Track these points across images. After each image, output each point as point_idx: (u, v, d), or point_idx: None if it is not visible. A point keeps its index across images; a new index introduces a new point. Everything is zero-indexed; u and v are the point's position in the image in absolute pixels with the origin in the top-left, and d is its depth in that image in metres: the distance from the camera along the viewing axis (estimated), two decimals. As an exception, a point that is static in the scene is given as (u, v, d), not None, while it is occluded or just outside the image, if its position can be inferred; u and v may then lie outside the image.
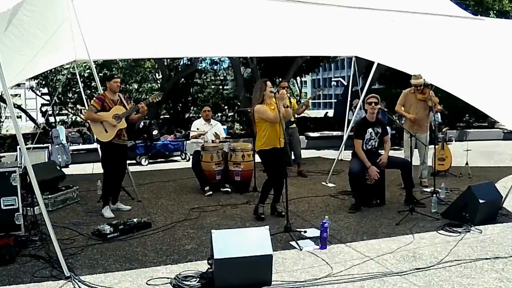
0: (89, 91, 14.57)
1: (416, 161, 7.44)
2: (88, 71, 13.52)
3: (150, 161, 10.87)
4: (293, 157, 9.05)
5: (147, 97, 6.39)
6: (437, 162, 8.06)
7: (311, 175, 8.75)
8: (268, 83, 5.65)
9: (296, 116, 8.76)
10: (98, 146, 6.32)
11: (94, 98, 6.23)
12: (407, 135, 7.14)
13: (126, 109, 6.12)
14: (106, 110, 5.98)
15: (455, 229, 5.14)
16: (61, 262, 3.99)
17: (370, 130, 6.25)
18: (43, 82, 15.69)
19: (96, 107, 5.95)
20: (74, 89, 14.93)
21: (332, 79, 65.75)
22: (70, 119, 17.44)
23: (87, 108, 10.19)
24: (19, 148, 8.97)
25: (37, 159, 9.25)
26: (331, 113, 20.38)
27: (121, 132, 6.09)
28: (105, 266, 4.29)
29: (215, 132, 7.84)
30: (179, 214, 6.14)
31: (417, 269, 4.12)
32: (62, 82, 12.73)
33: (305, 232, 5.13)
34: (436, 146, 7.83)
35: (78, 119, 16.73)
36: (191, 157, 8.98)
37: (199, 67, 19.34)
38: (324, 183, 7.94)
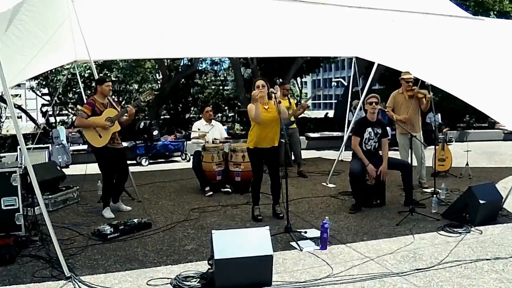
0: (89, 92, 14.54)
1: (413, 162, 7.43)
2: (89, 71, 13.52)
3: (151, 161, 10.87)
4: (293, 158, 9.05)
5: (139, 97, 6.26)
6: (437, 162, 8.07)
7: (311, 176, 8.74)
8: (257, 82, 5.54)
9: (294, 117, 8.75)
10: (91, 151, 6.11)
11: (84, 104, 6.02)
12: (402, 138, 7.12)
13: (117, 111, 6.00)
14: (98, 114, 5.86)
15: (455, 229, 5.14)
16: (61, 262, 3.99)
17: (369, 129, 6.24)
18: (44, 83, 15.69)
19: (87, 112, 5.81)
20: (74, 89, 14.94)
21: (333, 80, 65.77)
22: (70, 120, 17.42)
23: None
24: (20, 148, 8.97)
25: (38, 159, 9.25)
26: (331, 113, 20.38)
27: (115, 136, 6.01)
28: (106, 266, 4.29)
29: (220, 137, 7.86)
30: (179, 214, 6.14)
31: (417, 269, 4.12)
32: (62, 82, 12.73)
33: (305, 232, 5.13)
34: (437, 147, 7.83)
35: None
36: (191, 157, 8.98)
37: (200, 68, 19.35)
38: (324, 184, 7.94)
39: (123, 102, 15.03)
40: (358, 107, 8.73)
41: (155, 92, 17.18)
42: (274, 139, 5.68)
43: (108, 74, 14.39)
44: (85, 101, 10.07)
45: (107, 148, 5.93)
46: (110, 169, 6.05)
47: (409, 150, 6.50)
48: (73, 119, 16.92)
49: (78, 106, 16.07)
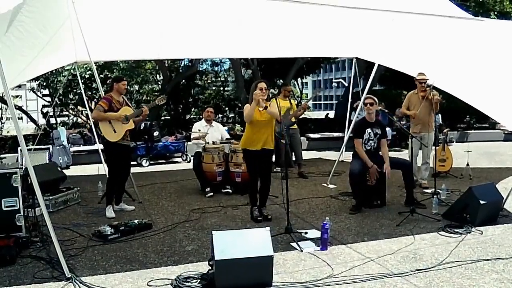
0: (90, 93, 14.57)
1: (419, 161, 7.46)
2: (89, 72, 13.52)
3: (151, 162, 10.87)
4: (294, 158, 9.04)
5: (154, 99, 6.42)
6: (438, 163, 8.06)
7: (312, 176, 8.74)
8: (260, 84, 5.53)
9: (295, 118, 8.73)
10: (103, 147, 6.30)
11: (101, 99, 6.19)
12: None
13: (133, 110, 6.19)
14: (114, 111, 6.02)
15: (455, 230, 5.14)
16: (62, 263, 3.99)
17: (369, 130, 6.25)
18: (44, 83, 15.68)
19: (104, 107, 5.96)
20: (75, 90, 14.94)
21: (333, 80, 65.74)
22: (71, 121, 17.44)
23: (87, 108, 10.27)
24: (20, 149, 8.97)
25: (38, 160, 9.26)
26: (331, 114, 20.38)
27: (126, 133, 6.13)
28: (106, 267, 4.29)
29: (221, 138, 7.88)
30: (180, 215, 6.14)
31: (417, 270, 4.11)
32: (63, 83, 12.73)
33: (305, 233, 5.12)
34: (437, 147, 7.83)
35: (79, 120, 16.73)
36: (192, 158, 8.98)
37: (200, 69, 19.36)
38: (325, 184, 7.94)
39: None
40: (358, 108, 8.72)
41: (157, 93, 17.24)
42: (267, 142, 5.64)
43: (109, 75, 14.38)
44: (85, 102, 10.19)
45: (119, 144, 6.05)
46: (118, 165, 6.16)
47: (411, 149, 6.53)
48: (74, 120, 16.99)
49: (79, 107, 16.11)
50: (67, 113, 17.50)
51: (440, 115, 13.07)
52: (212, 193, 7.19)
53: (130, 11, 6.23)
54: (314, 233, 5.12)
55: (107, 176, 6.26)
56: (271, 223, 5.52)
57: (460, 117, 16.20)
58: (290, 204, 5.36)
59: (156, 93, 17.56)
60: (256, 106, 5.48)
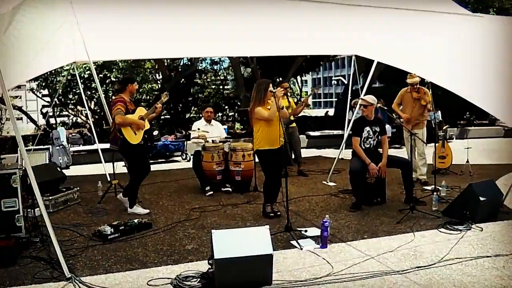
0: (89, 92, 14.56)
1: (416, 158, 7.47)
2: (88, 72, 13.51)
3: (151, 161, 10.80)
4: (293, 156, 9.04)
5: (161, 97, 6.43)
6: (437, 160, 8.08)
7: (311, 174, 8.74)
8: (270, 85, 5.68)
9: (295, 115, 8.72)
10: (124, 149, 6.19)
11: (117, 102, 5.96)
12: (407, 133, 7.16)
13: (146, 110, 6.22)
14: (130, 113, 5.98)
15: (456, 227, 5.14)
16: (61, 263, 4.00)
17: (367, 128, 6.24)
18: (43, 84, 15.68)
19: (123, 110, 5.89)
20: (74, 90, 14.92)
21: (333, 78, 65.77)
22: (70, 121, 17.44)
23: (87, 108, 10.26)
24: (20, 150, 8.97)
25: (38, 160, 9.26)
26: (331, 112, 20.37)
27: None
28: (106, 267, 4.29)
29: (220, 136, 7.88)
30: (179, 214, 6.14)
31: (418, 267, 4.12)
32: (62, 83, 12.72)
33: (305, 231, 5.13)
34: (437, 144, 7.84)
35: (79, 120, 16.74)
36: (191, 157, 8.98)
37: (199, 67, 19.33)
38: (324, 182, 7.94)
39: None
40: (357, 106, 8.71)
41: (156, 92, 17.24)
42: (281, 138, 5.67)
43: (108, 75, 14.37)
44: (85, 102, 10.18)
45: (138, 144, 6.07)
46: (141, 164, 6.19)
47: (411, 147, 6.54)
48: (74, 120, 16.98)
49: (79, 107, 16.11)
50: (66, 113, 17.49)
51: (439, 112, 13.08)
52: (212, 192, 7.18)
53: (129, 10, 6.20)
54: (314, 231, 5.12)
55: (131, 177, 6.19)
56: (271, 221, 5.52)
57: (460, 113, 16.20)
58: (290, 202, 5.37)
59: (155, 92, 17.55)
60: (265, 106, 5.60)
